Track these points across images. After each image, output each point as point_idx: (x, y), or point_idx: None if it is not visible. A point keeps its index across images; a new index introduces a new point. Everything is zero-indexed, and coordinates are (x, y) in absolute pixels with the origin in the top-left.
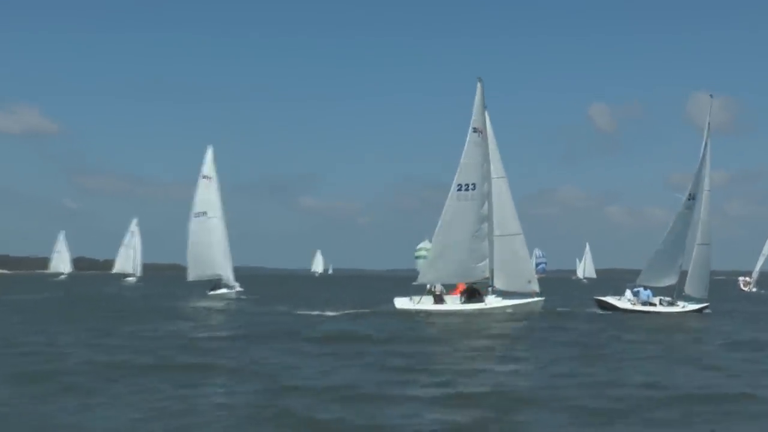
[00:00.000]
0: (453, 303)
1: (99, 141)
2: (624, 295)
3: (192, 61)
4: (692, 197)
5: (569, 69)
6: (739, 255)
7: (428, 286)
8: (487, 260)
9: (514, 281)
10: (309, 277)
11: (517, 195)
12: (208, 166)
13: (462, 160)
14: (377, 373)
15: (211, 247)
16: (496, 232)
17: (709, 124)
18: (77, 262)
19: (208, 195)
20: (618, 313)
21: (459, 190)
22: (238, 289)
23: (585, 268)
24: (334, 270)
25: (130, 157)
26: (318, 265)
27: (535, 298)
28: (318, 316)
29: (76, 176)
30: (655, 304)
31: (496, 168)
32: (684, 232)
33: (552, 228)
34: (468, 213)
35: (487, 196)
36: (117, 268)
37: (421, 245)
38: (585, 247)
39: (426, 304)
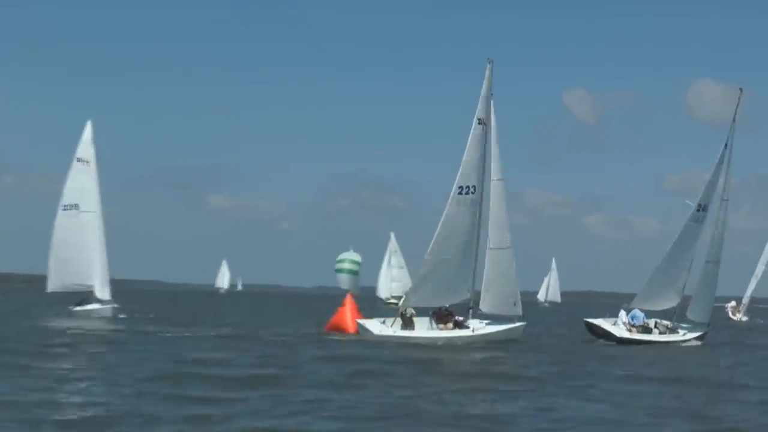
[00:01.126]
0: (423, 328)
1: None
2: (618, 318)
3: (74, 29)
4: (703, 208)
5: (543, 51)
6: (737, 276)
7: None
8: (471, 278)
9: (500, 303)
10: (212, 293)
11: None
12: (85, 147)
13: (464, 158)
14: None
15: (81, 250)
16: (490, 244)
17: (734, 121)
18: None
19: (82, 183)
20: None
21: (459, 193)
22: (113, 305)
23: (549, 290)
24: (244, 286)
25: None
26: (224, 279)
27: (518, 323)
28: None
29: None
30: (650, 329)
31: (496, 168)
32: (690, 248)
33: (517, 240)
34: (466, 221)
35: (482, 200)
36: None
37: (343, 255)
38: (551, 263)
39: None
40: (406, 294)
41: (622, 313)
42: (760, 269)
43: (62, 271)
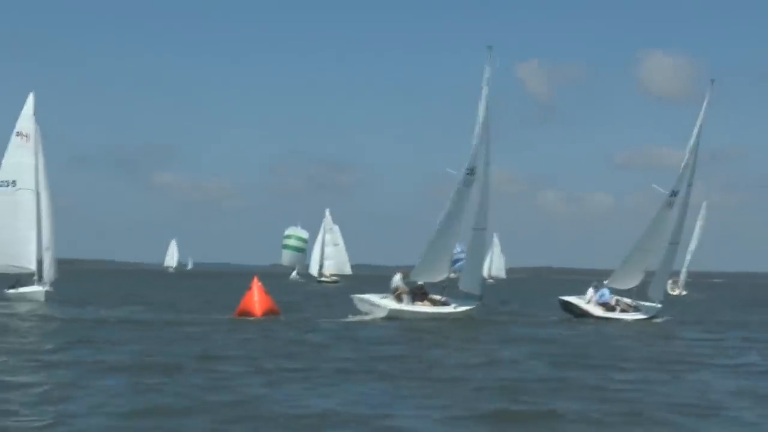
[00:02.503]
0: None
1: None
2: (586, 295)
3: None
4: (675, 193)
5: (494, 22)
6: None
7: (397, 284)
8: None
9: (473, 282)
10: (161, 272)
11: (424, 174)
12: (26, 120)
13: (475, 141)
14: None
15: (16, 230)
16: (473, 225)
17: (704, 110)
18: None
19: (20, 158)
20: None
21: (468, 174)
22: (46, 288)
23: (492, 265)
24: (194, 264)
25: None
26: (172, 258)
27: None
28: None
29: None
30: (614, 308)
31: (491, 154)
32: (661, 232)
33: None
34: (463, 202)
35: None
36: None
37: (290, 231)
38: (493, 238)
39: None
40: (418, 268)
41: (590, 290)
42: (693, 244)
43: None
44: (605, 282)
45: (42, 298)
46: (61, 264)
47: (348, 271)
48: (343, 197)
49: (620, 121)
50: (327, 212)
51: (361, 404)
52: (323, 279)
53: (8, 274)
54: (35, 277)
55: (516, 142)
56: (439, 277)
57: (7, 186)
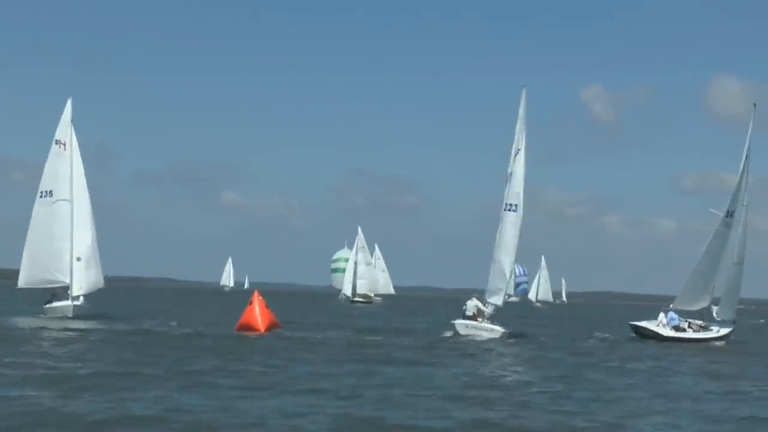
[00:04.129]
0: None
1: None
2: (658, 319)
3: (83, 18)
4: (730, 214)
5: (559, 47)
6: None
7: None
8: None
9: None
10: (216, 291)
11: (487, 197)
12: (64, 127)
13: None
14: None
15: (52, 242)
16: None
17: (750, 132)
18: None
19: (57, 167)
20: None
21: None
22: (76, 303)
23: (539, 289)
24: (251, 284)
25: None
26: (229, 277)
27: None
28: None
29: None
30: (684, 329)
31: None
32: (720, 252)
33: (532, 240)
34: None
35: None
36: None
37: (337, 254)
38: (541, 261)
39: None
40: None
41: (661, 315)
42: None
43: (33, 264)
44: (671, 306)
45: (70, 313)
46: (124, 281)
47: (390, 290)
48: (406, 217)
49: (686, 145)
50: (359, 231)
51: None
52: (357, 299)
53: (45, 287)
54: (69, 291)
55: (579, 165)
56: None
57: (46, 196)
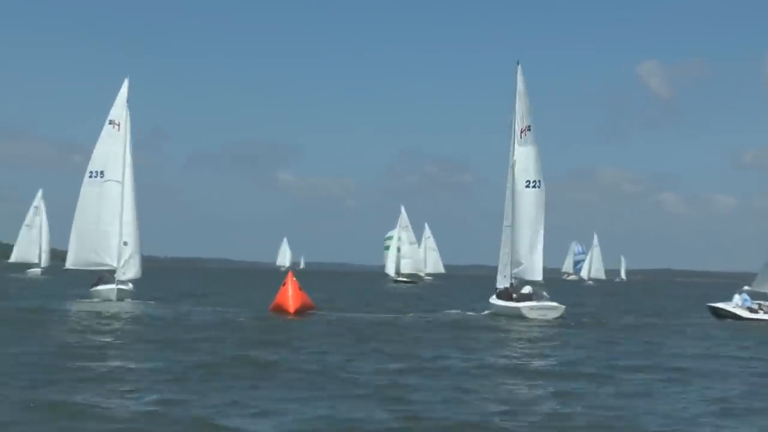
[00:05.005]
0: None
1: (15, 92)
2: (733, 300)
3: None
4: None
5: (614, 20)
6: None
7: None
8: None
9: None
10: (273, 271)
11: (544, 174)
12: (118, 108)
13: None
14: None
15: (99, 224)
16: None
17: None
18: None
19: (110, 147)
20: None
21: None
22: (120, 287)
23: (591, 267)
24: (307, 264)
25: (43, 116)
26: (285, 258)
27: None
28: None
29: None
30: (756, 311)
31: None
32: None
33: (588, 218)
34: None
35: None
36: (16, 255)
37: (391, 233)
38: (593, 239)
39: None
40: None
41: (737, 296)
42: None
43: (80, 245)
44: (745, 288)
45: (113, 296)
46: (181, 262)
47: (440, 269)
48: (460, 196)
49: (745, 119)
50: (402, 210)
51: None
52: (399, 279)
53: (92, 270)
54: (115, 274)
55: (636, 142)
56: None
57: (96, 177)
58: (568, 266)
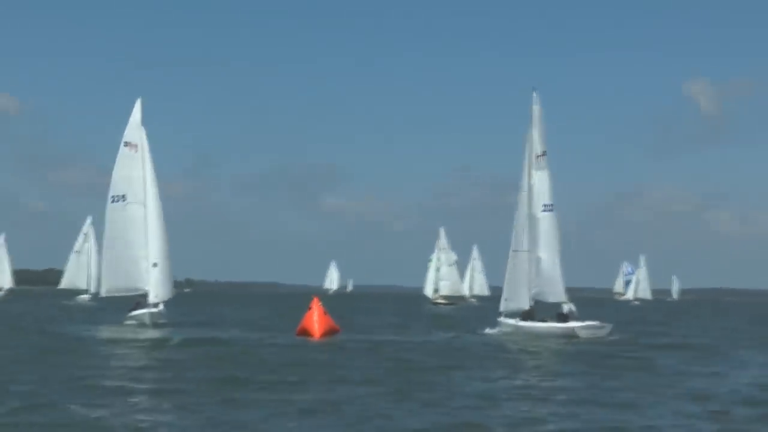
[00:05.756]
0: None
1: (66, 119)
2: None
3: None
4: None
5: (661, 39)
6: None
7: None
8: None
9: None
10: (320, 295)
11: (594, 195)
12: (133, 129)
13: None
14: None
15: (127, 248)
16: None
17: None
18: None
19: (129, 171)
20: None
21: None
22: (153, 309)
23: (638, 286)
24: (355, 287)
25: (99, 139)
26: (332, 281)
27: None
28: None
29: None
30: None
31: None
32: None
33: (638, 238)
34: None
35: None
36: (66, 282)
37: (434, 255)
38: (639, 260)
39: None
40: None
41: None
42: None
43: (112, 272)
44: None
45: (148, 320)
46: (231, 287)
47: (485, 292)
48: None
49: None
50: (441, 231)
51: None
52: (438, 301)
53: (126, 295)
54: (148, 300)
55: (685, 160)
56: None
57: (118, 201)
58: (619, 287)
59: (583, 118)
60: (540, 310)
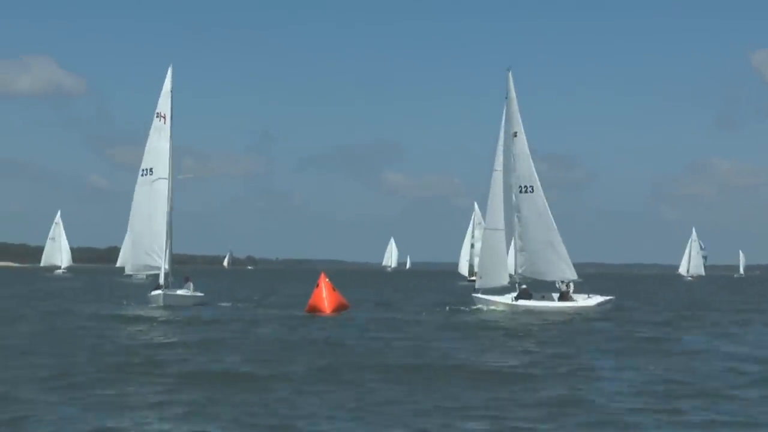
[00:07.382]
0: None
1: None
2: None
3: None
4: None
5: (725, 8)
6: None
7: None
8: None
9: None
10: (379, 272)
11: (655, 169)
12: (164, 98)
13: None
14: None
15: (151, 224)
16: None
17: None
18: (78, 253)
19: (157, 142)
20: None
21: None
22: (184, 292)
23: (690, 263)
24: (413, 263)
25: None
26: (391, 258)
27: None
28: None
29: (104, 146)
30: None
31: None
32: None
33: (703, 212)
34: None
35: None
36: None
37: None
38: (692, 233)
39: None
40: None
41: None
42: None
43: (136, 249)
44: None
45: (161, 302)
46: (293, 264)
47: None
48: (569, 193)
49: None
50: (475, 206)
51: None
52: (472, 278)
53: (148, 274)
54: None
55: (752, 132)
56: None
57: (147, 174)
58: (685, 264)
59: (640, 85)
60: (532, 288)
